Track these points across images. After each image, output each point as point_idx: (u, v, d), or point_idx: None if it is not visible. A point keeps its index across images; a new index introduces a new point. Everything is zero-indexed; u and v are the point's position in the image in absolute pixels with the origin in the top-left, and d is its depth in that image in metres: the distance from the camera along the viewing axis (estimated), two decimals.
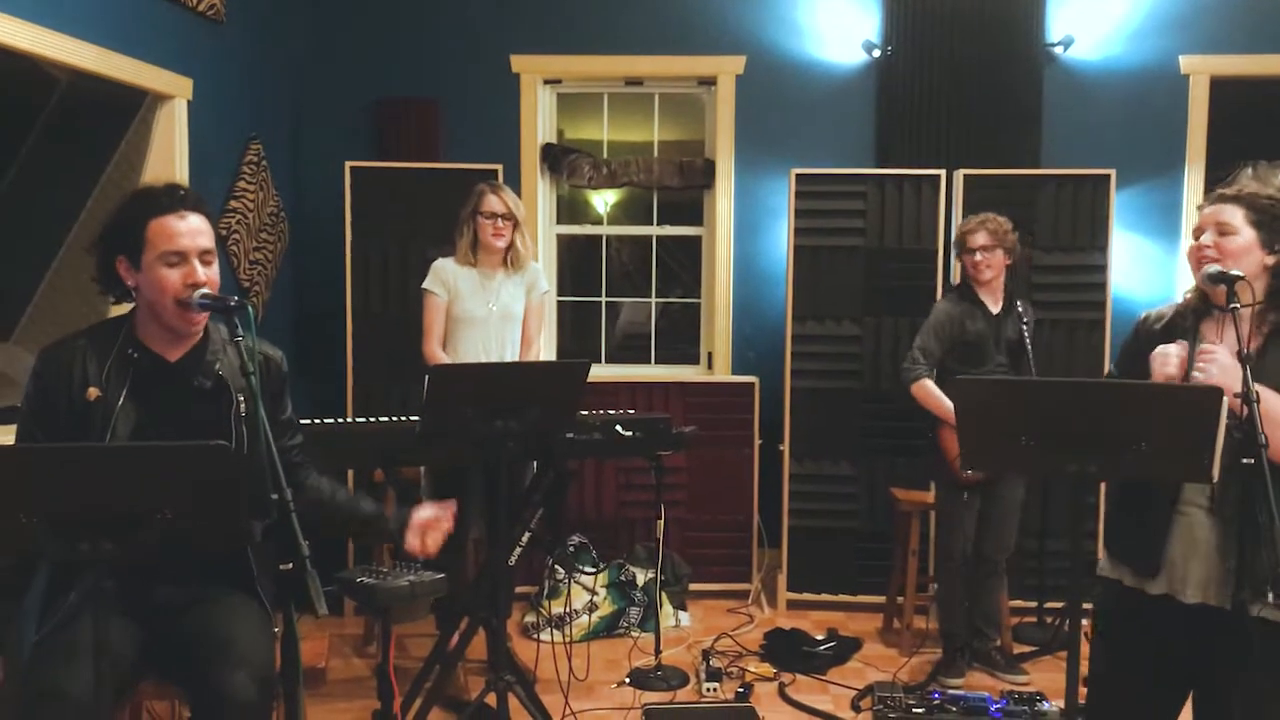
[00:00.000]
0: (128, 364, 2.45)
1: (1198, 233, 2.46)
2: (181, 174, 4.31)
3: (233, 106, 4.92)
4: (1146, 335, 2.55)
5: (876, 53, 5.53)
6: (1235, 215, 2.42)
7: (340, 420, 3.95)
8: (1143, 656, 2.47)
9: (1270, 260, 2.40)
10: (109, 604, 2.01)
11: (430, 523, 2.70)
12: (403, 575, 2.64)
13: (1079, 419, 2.19)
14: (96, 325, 2.59)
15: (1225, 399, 2.11)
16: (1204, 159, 5.49)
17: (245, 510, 2.01)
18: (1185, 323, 2.50)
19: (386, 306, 5.19)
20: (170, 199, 2.43)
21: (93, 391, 2.39)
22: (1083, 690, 2.38)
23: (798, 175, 5.14)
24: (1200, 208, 2.53)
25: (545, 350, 5.59)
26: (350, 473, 5.10)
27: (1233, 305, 2.28)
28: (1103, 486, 4.56)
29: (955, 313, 4.28)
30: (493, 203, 4.09)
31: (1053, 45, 5.46)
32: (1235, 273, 2.32)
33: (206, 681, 2.33)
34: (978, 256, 4.24)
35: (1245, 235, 2.40)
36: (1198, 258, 2.44)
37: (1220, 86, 5.47)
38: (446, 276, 4.14)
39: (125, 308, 2.58)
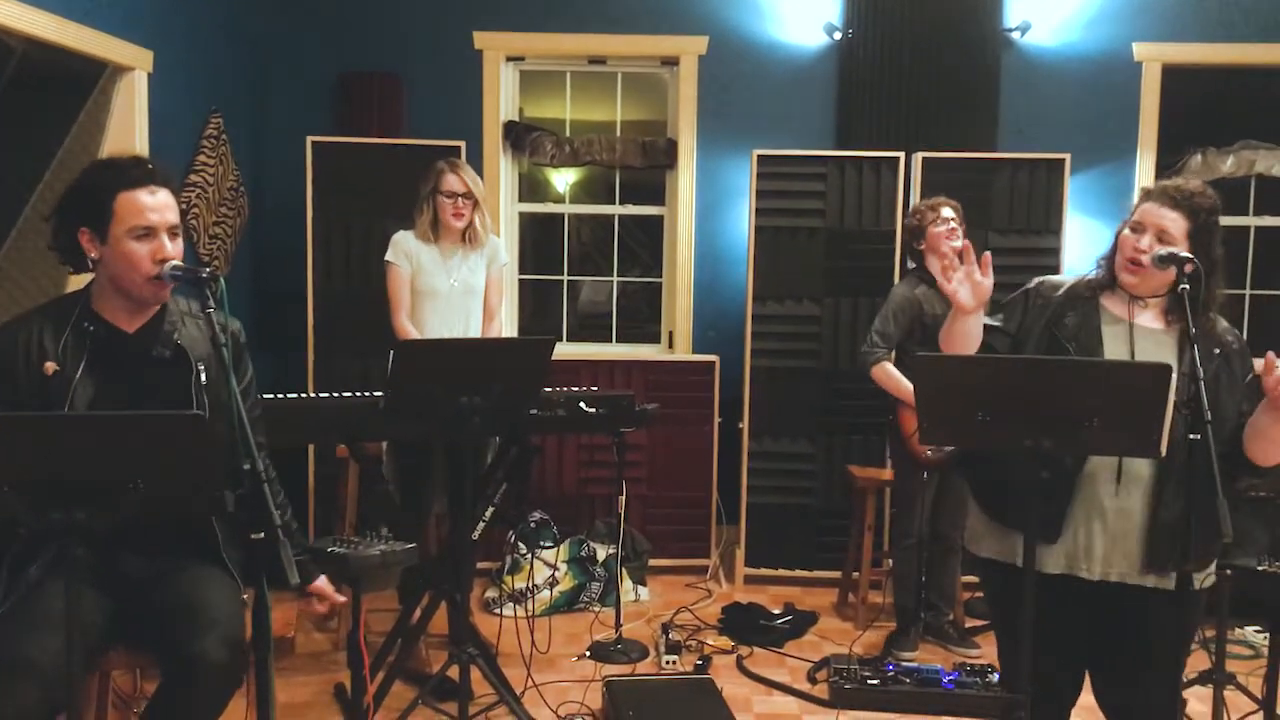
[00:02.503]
0: (84, 337, 2.44)
1: (1138, 228, 2.50)
2: (141, 146, 4.27)
3: (193, 79, 4.87)
4: (1041, 298, 2.61)
5: (838, 35, 5.57)
6: (1178, 225, 2.46)
7: (303, 395, 3.95)
8: (1043, 637, 2.42)
9: (1160, 250, 2.45)
10: (79, 573, 2.01)
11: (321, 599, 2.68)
12: (374, 545, 2.65)
13: (1034, 395, 2.25)
14: (50, 301, 2.57)
15: (1173, 377, 2.19)
16: (1155, 145, 5.59)
17: (219, 480, 2.03)
18: (1085, 293, 2.58)
19: (348, 281, 5.18)
20: (140, 172, 2.42)
21: (49, 366, 2.38)
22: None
23: (759, 156, 5.18)
24: (1147, 194, 2.55)
25: (507, 325, 5.61)
26: (311, 448, 5.11)
27: (1182, 286, 2.35)
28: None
29: (913, 296, 4.35)
30: (452, 182, 4.09)
31: (1010, 30, 5.54)
32: (1185, 254, 2.39)
33: (177, 646, 2.34)
34: (952, 225, 4.31)
35: (1179, 246, 2.45)
36: (1132, 255, 2.49)
37: (1172, 74, 5.58)
38: (408, 248, 4.14)
39: (84, 279, 2.56)
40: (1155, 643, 2.46)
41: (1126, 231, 2.53)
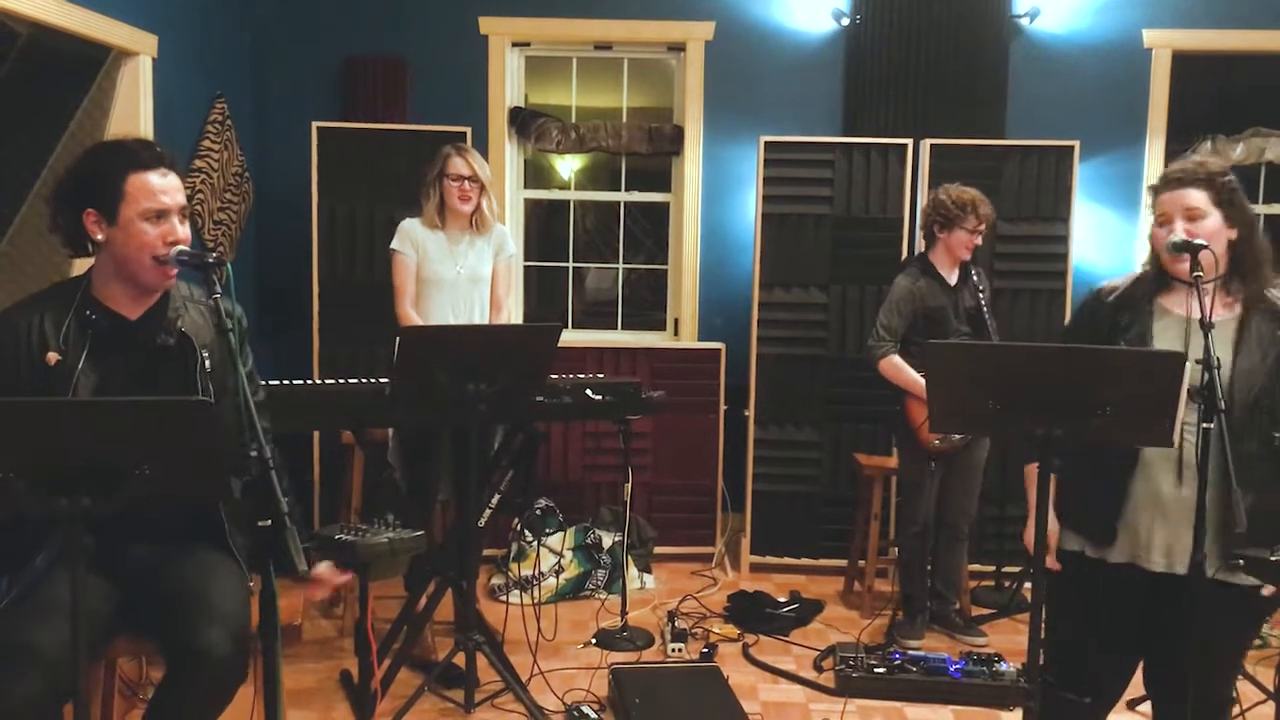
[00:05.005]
0: (86, 325, 2.42)
1: (1164, 219, 2.47)
2: (146, 131, 4.26)
3: (198, 64, 4.85)
4: (1097, 309, 2.58)
5: (845, 21, 5.54)
6: (1200, 199, 2.44)
7: (308, 381, 3.94)
8: (1101, 625, 2.49)
9: (1233, 235, 2.44)
10: (86, 561, 2.01)
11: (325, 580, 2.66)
12: (381, 532, 2.64)
13: (1046, 383, 2.24)
14: (49, 288, 2.54)
15: (1186, 365, 2.17)
16: (1165, 132, 5.56)
17: (225, 467, 2.02)
18: (1140, 295, 2.54)
19: (353, 268, 5.17)
20: (150, 154, 2.40)
21: (51, 356, 2.37)
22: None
23: (766, 143, 5.15)
24: (1156, 190, 2.53)
25: (514, 314, 5.59)
26: (316, 435, 5.11)
27: (1196, 274, 2.33)
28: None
29: (915, 287, 4.32)
30: (458, 165, 4.07)
31: (1019, 17, 5.50)
32: (1199, 242, 2.37)
33: (181, 637, 2.33)
34: (979, 239, 4.29)
35: (1213, 217, 2.43)
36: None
37: (1182, 61, 5.54)
38: (415, 236, 4.12)
39: (84, 265, 2.54)
40: (1215, 631, 2.42)
41: (1156, 229, 2.49)
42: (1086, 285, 2.94)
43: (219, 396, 2.48)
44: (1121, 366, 2.28)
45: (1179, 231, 2.43)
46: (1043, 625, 2.38)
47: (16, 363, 2.36)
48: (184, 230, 2.42)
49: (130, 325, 2.48)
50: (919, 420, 4.22)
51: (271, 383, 3.53)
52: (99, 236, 2.40)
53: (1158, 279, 2.53)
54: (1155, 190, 2.53)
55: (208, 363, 2.51)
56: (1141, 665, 2.62)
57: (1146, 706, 3.08)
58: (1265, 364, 2.40)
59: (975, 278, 4.38)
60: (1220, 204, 2.44)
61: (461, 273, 4.14)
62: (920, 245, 4.70)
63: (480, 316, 4.20)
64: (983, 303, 4.34)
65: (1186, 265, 2.38)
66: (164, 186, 2.39)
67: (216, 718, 2.42)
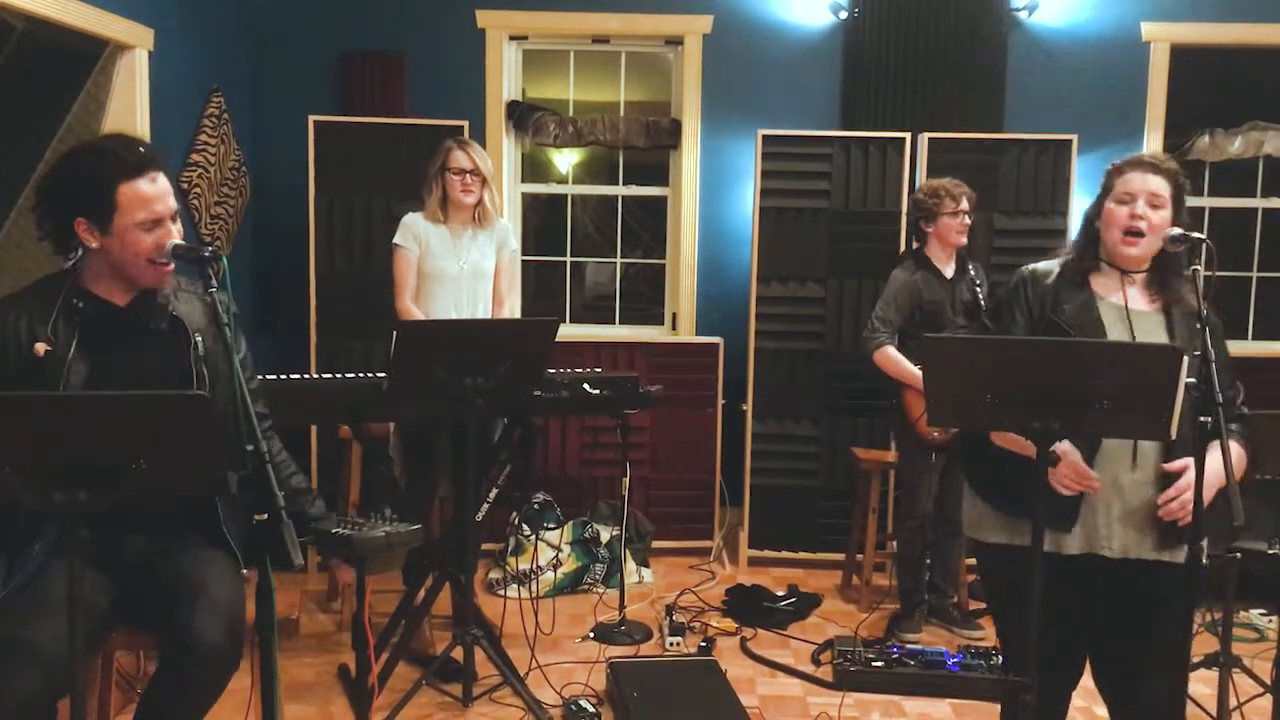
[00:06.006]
0: (74, 314, 2.41)
1: (1126, 198, 2.48)
2: (142, 125, 4.25)
3: (194, 57, 4.84)
4: (1036, 288, 2.57)
5: (843, 15, 5.53)
6: (1164, 189, 2.47)
7: (306, 375, 3.94)
8: (1054, 614, 2.45)
9: (1173, 231, 2.46)
10: (83, 554, 2.00)
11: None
12: (378, 526, 2.64)
13: (1044, 377, 2.24)
14: (35, 283, 2.52)
15: (1185, 359, 2.17)
16: (1163, 125, 5.56)
17: (222, 460, 2.01)
18: (1074, 277, 2.55)
19: (350, 262, 5.16)
20: (138, 160, 2.37)
21: (40, 347, 2.35)
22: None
23: (764, 136, 5.15)
24: (1121, 170, 2.54)
25: (516, 309, 5.58)
26: (314, 429, 5.10)
27: (1194, 267, 2.34)
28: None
29: (912, 281, 4.33)
30: (460, 159, 4.06)
31: (1017, 10, 5.50)
32: (1197, 235, 2.38)
33: (177, 627, 2.33)
34: (967, 220, 4.29)
35: (1168, 209, 2.47)
36: (1127, 224, 2.47)
37: (1180, 54, 5.54)
38: (417, 231, 4.11)
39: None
40: (1166, 621, 2.45)
41: (1112, 205, 2.50)
42: None
43: (213, 380, 2.48)
44: (1120, 360, 2.28)
45: (1141, 210, 2.45)
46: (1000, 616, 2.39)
47: (4, 355, 2.35)
48: (176, 229, 2.42)
49: (119, 311, 2.46)
50: (916, 413, 4.23)
51: (269, 377, 3.52)
52: (93, 245, 2.38)
53: (1090, 262, 2.55)
54: (1119, 169, 2.54)
55: (200, 346, 2.50)
56: (1090, 670, 2.63)
57: None
58: (1192, 357, 2.38)
59: (973, 272, 4.39)
60: (1175, 200, 2.48)
61: (464, 267, 4.13)
62: (915, 243, 4.70)
63: (483, 311, 4.20)
64: (980, 297, 4.34)
65: (1136, 252, 2.45)
66: (156, 194, 2.37)
67: (209, 707, 2.42)
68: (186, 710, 2.41)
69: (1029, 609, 2.32)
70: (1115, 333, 2.48)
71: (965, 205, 4.30)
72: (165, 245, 2.38)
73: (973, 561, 4.92)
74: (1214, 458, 2.25)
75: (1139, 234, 2.46)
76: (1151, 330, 2.48)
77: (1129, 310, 2.50)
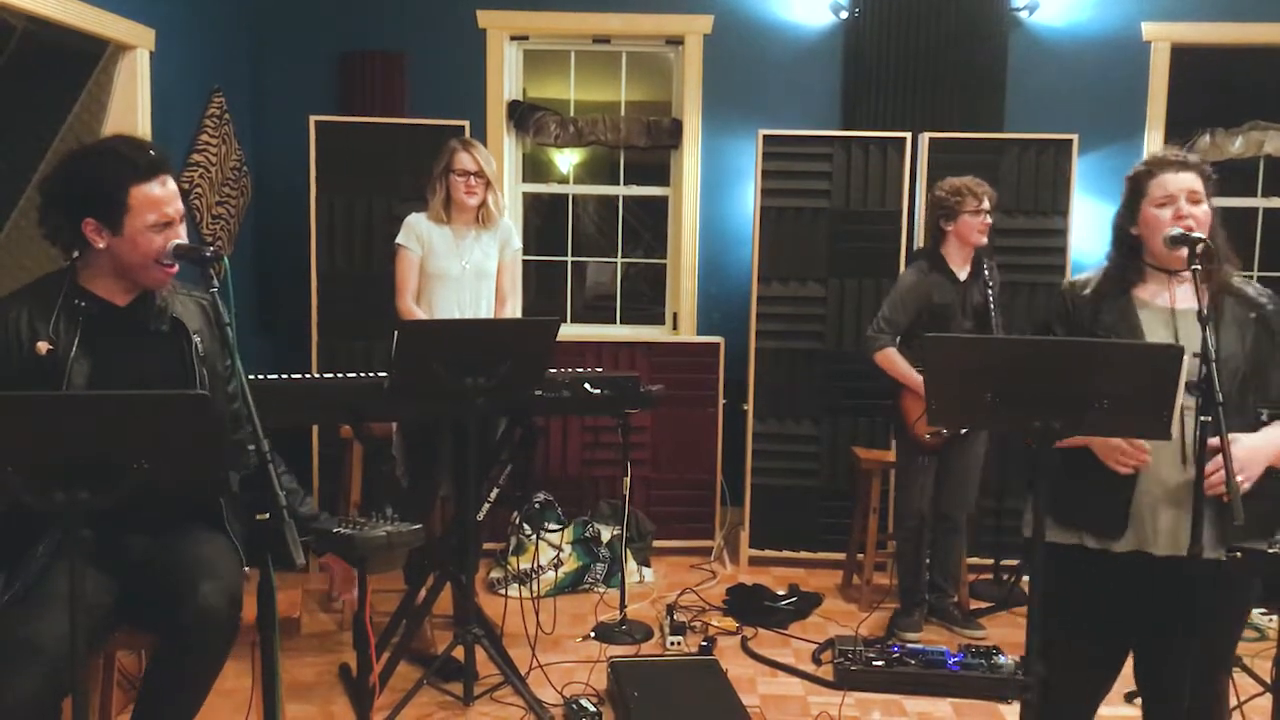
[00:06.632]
0: (76, 314, 2.42)
1: (1168, 200, 2.46)
2: (144, 125, 4.25)
3: (196, 57, 4.84)
4: (1076, 302, 2.57)
5: (844, 14, 5.53)
6: (1198, 183, 2.46)
7: (307, 375, 3.94)
8: (1101, 615, 2.48)
9: (1173, 231, 2.44)
10: (85, 553, 2.01)
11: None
12: (379, 526, 2.64)
13: (1044, 377, 2.24)
14: (35, 282, 2.53)
15: (1184, 357, 2.17)
16: (1164, 125, 5.56)
17: (224, 460, 2.02)
18: (1115, 288, 2.54)
19: (351, 262, 5.16)
20: (148, 162, 2.40)
21: (42, 346, 2.36)
22: None
23: (765, 136, 5.15)
24: (1153, 171, 2.51)
25: (518, 309, 5.58)
26: (315, 429, 5.11)
27: (1194, 266, 2.34)
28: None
29: (923, 283, 4.30)
30: (465, 160, 4.06)
31: (1018, 9, 5.50)
32: (1197, 235, 2.38)
33: (176, 598, 2.33)
34: (988, 219, 4.28)
35: (1205, 203, 2.46)
36: (1180, 225, 2.43)
37: (1181, 54, 5.53)
38: (420, 231, 4.12)
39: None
40: (1212, 619, 2.42)
41: (1153, 209, 2.48)
42: None
43: (211, 381, 2.50)
44: (1119, 359, 2.28)
45: (1183, 210, 2.43)
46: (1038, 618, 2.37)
47: (7, 355, 2.35)
48: (182, 230, 2.45)
49: (120, 311, 2.48)
50: (913, 415, 4.22)
51: (269, 376, 3.53)
52: (101, 245, 2.39)
53: (1129, 268, 2.53)
54: (1150, 172, 2.52)
55: (200, 347, 2.52)
56: (1132, 662, 2.62)
57: None
58: (1244, 348, 2.42)
59: (988, 273, 4.35)
60: (1207, 193, 2.48)
61: (467, 268, 4.14)
62: (919, 241, 4.70)
63: (486, 311, 4.20)
64: (991, 298, 4.30)
65: (1182, 254, 2.39)
66: (166, 196, 2.40)
67: (209, 681, 2.43)
68: (187, 681, 2.42)
69: (1031, 602, 2.33)
70: (1157, 337, 2.45)
71: (987, 204, 4.26)
72: (174, 244, 2.40)
73: (975, 561, 4.94)
74: (1269, 433, 2.28)
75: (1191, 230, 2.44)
76: (1198, 329, 2.36)
77: (1175, 311, 2.46)
